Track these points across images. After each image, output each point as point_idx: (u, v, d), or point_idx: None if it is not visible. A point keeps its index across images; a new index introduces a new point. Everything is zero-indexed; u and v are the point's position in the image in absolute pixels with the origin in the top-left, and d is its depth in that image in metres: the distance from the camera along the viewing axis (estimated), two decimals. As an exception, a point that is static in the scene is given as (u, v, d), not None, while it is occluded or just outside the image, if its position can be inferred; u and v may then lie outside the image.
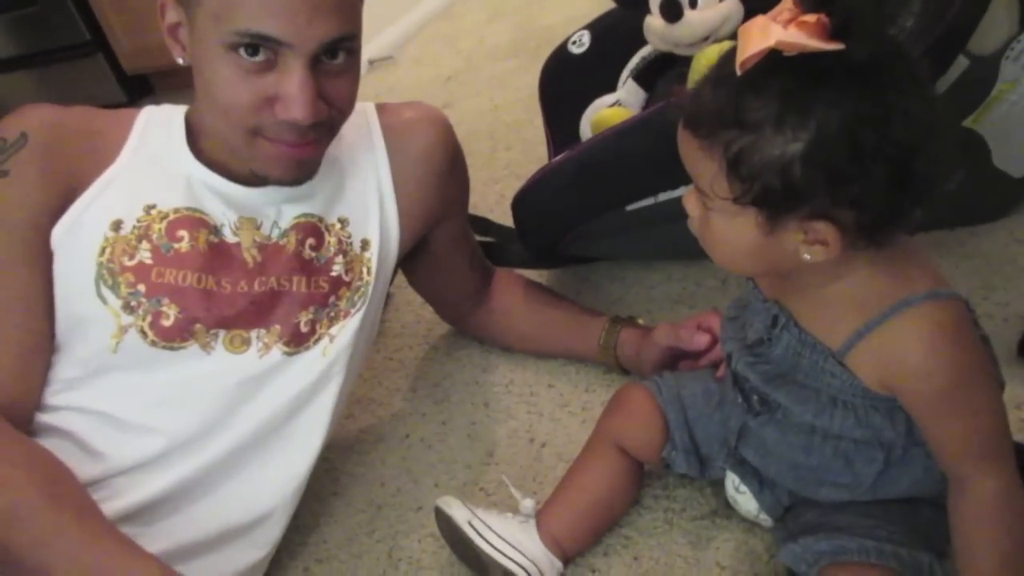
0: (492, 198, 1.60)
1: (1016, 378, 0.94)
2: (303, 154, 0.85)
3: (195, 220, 0.88)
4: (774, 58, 0.58)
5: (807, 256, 0.65)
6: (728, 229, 0.66)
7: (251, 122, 0.81)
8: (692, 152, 0.65)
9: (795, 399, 0.74)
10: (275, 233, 0.91)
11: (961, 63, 1.06)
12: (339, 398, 0.94)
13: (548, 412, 1.11)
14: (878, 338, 0.67)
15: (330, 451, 1.05)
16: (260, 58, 0.78)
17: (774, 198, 0.62)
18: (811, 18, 0.57)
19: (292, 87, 0.78)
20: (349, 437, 1.15)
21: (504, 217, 1.30)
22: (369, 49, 2.61)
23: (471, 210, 1.18)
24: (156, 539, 0.80)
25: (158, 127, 0.92)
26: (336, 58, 0.81)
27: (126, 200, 0.87)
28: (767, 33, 0.57)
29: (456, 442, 1.10)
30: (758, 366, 0.76)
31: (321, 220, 0.93)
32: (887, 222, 0.63)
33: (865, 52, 0.56)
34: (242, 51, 0.77)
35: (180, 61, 0.84)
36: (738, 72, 0.59)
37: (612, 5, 1.41)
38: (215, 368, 0.88)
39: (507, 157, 1.77)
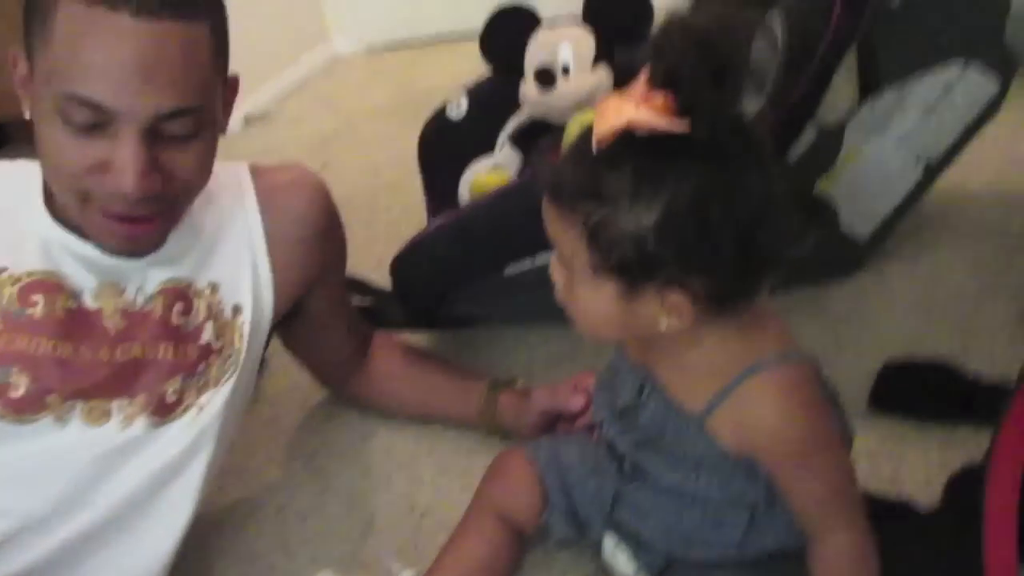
0: (371, 260, 1.58)
1: (867, 428, 0.99)
2: (135, 232, 0.81)
3: (51, 284, 0.83)
4: (628, 135, 0.61)
5: (664, 323, 0.67)
6: (590, 298, 0.69)
7: (81, 187, 0.77)
8: (555, 222, 0.68)
9: (663, 465, 0.76)
10: (140, 299, 0.88)
11: (810, 132, 1.14)
12: (208, 471, 0.91)
13: (429, 479, 1.09)
14: (733, 402, 0.70)
15: (200, 526, 1.00)
16: (91, 122, 0.74)
17: (631, 268, 0.64)
18: (660, 99, 0.60)
19: (121, 157, 0.74)
20: (220, 511, 1.10)
21: (383, 279, 1.29)
22: (245, 105, 2.57)
23: (349, 272, 1.17)
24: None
25: (9, 183, 0.87)
26: (179, 129, 0.77)
27: None
28: (620, 112, 0.60)
29: (334, 513, 1.07)
30: (627, 433, 0.78)
31: (190, 285, 0.90)
32: (737, 290, 0.67)
33: (707, 131, 0.60)
34: (72, 114, 0.73)
35: (27, 115, 0.80)
36: (594, 149, 0.62)
37: (489, 72, 1.45)
38: (71, 442, 0.83)
39: (386, 218, 1.77)
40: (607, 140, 0.62)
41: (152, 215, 0.81)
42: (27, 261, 0.83)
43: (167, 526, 0.88)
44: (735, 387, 0.70)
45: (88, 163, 0.75)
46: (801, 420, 0.69)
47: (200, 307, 0.91)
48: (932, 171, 1.23)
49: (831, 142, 1.17)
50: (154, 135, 0.75)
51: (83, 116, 0.73)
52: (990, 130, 1.21)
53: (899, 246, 1.32)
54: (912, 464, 0.97)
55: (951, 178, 1.28)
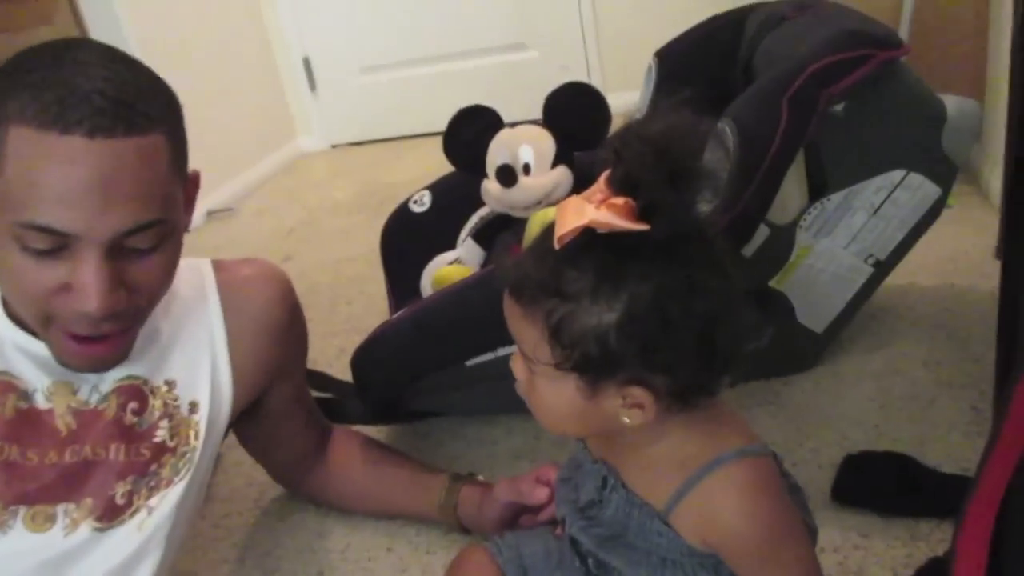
0: (331, 352, 1.58)
1: (830, 522, 1.00)
2: (97, 352, 0.79)
3: (3, 384, 0.81)
4: (589, 233, 0.62)
5: (626, 419, 0.68)
6: (552, 393, 0.69)
7: (43, 309, 0.75)
8: (516, 319, 0.68)
9: (628, 561, 0.75)
10: (94, 398, 0.85)
11: (763, 231, 1.18)
12: (157, 574, 0.87)
13: (387, 579, 1.06)
14: (695, 497, 0.70)
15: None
16: (50, 247, 0.72)
17: (592, 364, 0.65)
18: (620, 200, 0.62)
19: (84, 278, 0.72)
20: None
21: (343, 372, 1.28)
22: (209, 201, 2.59)
23: (309, 365, 1.16)
24: None
25: None
26: (142, 242, 0.75)
27: None
28: (581, 213, 0.62)
29: (288, 616, 1.03)
30: (591, 529, 0.77)
31: (146, 382, 0.88)
32: (698, 386, 0.68)
33: (665, 233, 0.62)
34: (30, 240, 0.71)
35: None
36: (556, 247, 0.64)
37: (452, 168, 1.49)
38: (12, 548, 0.79)
39: (348, 311, 1.77)
40: (568, 238, 0.63)
41: (117, 331, 0.79)
42: None
43: (112, 634, 0.84)
44: (696, 483, 0.70)
45: (50, 285, 0.74)
46: (763, 516, 0.69)
47: (156, 405, 0.88)
48: (882, 268, 1.27)
49: (783, 242, 1.21)
50: (116, 251, 0.74)
51: (42, 242, 0.72)
52: (936, 228, 1.26)
53: (853, 342, 1.35)
54: (878, 558, 0.96)
55: (900, 275, 1.32)
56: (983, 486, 0.69)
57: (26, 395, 0.82)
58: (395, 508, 1.12)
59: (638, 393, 0.66)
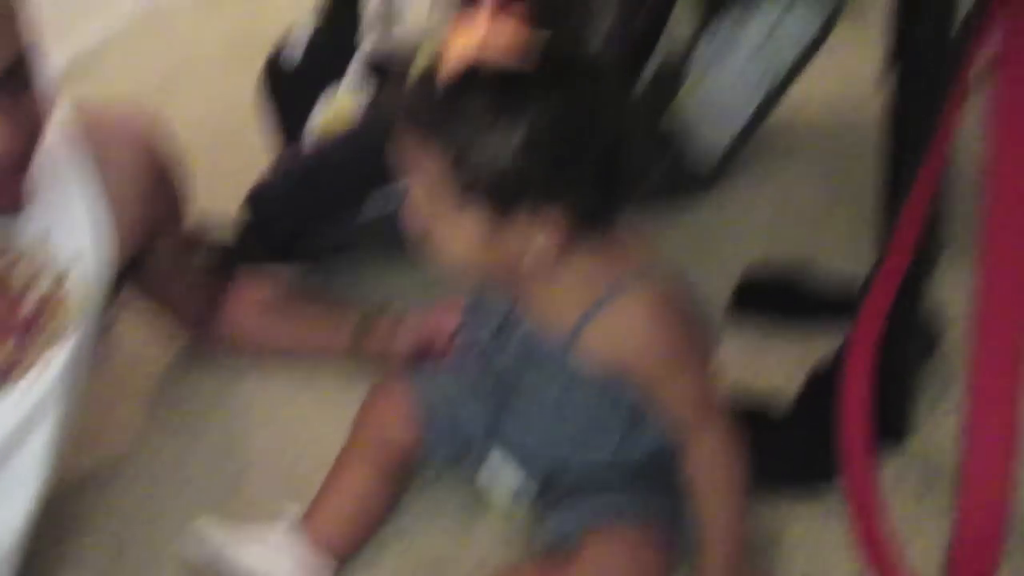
0: (219, 205, 1.50)
1: (729, 335, 1.04)
2: None
3: None
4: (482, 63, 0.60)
5: (529, 252, 0.67)
6: (453, 232, 0.68)
7: None
8: (413, 152, 0.66)
9: (539, 381, 0.77)
10: None
11: (653, 65, 1.17)
12: (57, 436, 0.85)
13: (304, 416, 1.07)
14: (599, 323, 0.72)
15: (60, 493, 0.94)
16: None
17: (494, 195, 0.64)
18: (508, 22, 0.60)
19: None
20: (80, 476, 1.03)
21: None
22: (70, 48, 2.36)
23: (197, 219, 1.11)
24: None
25: None
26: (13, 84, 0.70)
27: None
28: (467, 46, 0.60)
29: (206, 463, 1.03)
30: (499, 355, 0.79)
31: (16, 236, 0.83)
32: (599, 212, 0.68)
33: (554, 67, 0.62)
34: None
35: None
36: (448, 78, 0.61)
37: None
38: None
39: (230, 164, 1.67)
40: (458, 68, 0.61)
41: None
42: None
43: (16, 497, 0.83)
44: (599, 308, 0.71)
45: None
46: (664, 335, 0.72)
47: (29, 259, 0.83)
48: (772, 93, 1.28)
49: (674, 73, 1.20)
50: None
51: None
52: (829, 48, 1.27)
53: (747, 166, 1.37)
54: (776, 363, 1.02)
55: (792, 99, 1.33)
56: (874, 289, 0.73)
57: None
58: (307, 348, 1.12)
59: (540, 223, 0.66)
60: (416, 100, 0.66)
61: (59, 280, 0.85)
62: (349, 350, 1.08)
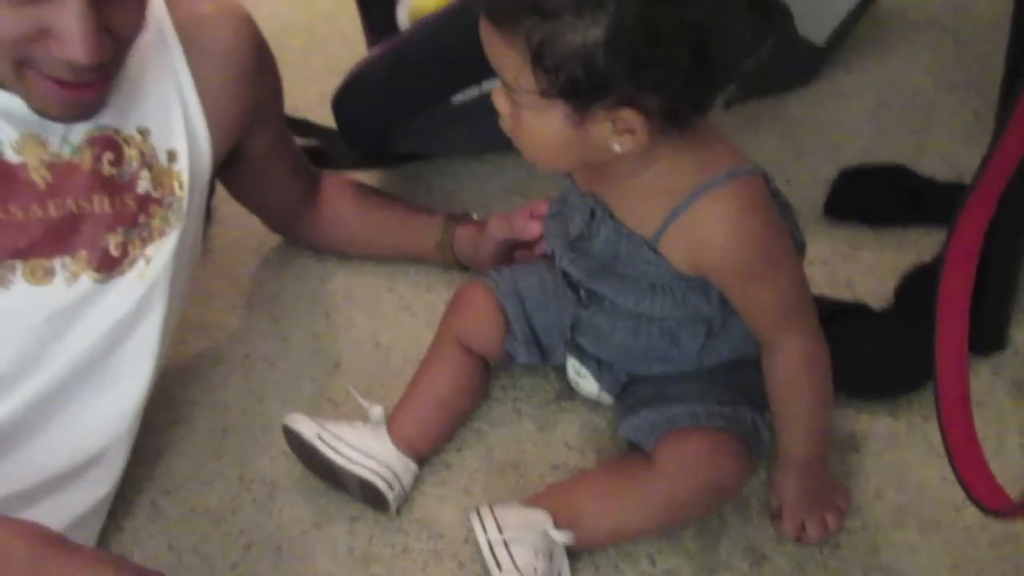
0: (313, 99, 1.51)
1: (821, 236, 1.01)
2: (83, 97, 0.77)
3: None
4: None
5: (616, 146, 0.65)
6: (538, 124, 0.66)
7: (18, 55, 0.72)
8: (495, 46, 0.64)
9: (617, 290, 0.76)
10: (66, 150, 0.82)
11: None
12: (165, 324, 0.89)
13: (391, 316, 1.10)
14: (684, 222, 0.70)
15: (166, 380, 1.00)
16: None
17: (580, 88, 0.62)
18: None
19: (71, 23, 0.69)
20: (185, 363, 1.10)
21: (326, 118, 1.24)
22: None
23: (290, 112, 1.12)
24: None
25: None
26: None
27: None
28: None
29: (299, 357, 1.07)
30: (580, 261, 0.78)
31: (117, 132, 0.85)
32: (691, 106, 0.64)
33: None
34: None
35: None
36: None
37: None
38: (17, 304, 0.80)
39: (324, 53, 1.67)
40: None
41: (99, 79, 0.77)
42: None
43: (129, 382, 0.87)
44: (685, 207, 0.69)
45: (28, 31, 0.70)
46: (750, 234, 0.69)
47: (132, 155, 0.86)
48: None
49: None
50: None
51: None
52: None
53: (854, 53, 1.29)
54: (866, 268, 0.99)
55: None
56: (977, 193, 0.68)
57: None
58: (392, 250, 1.14)
59: (629, 116, 0.63)
60: None
61: (161, 177, 0.88)
62: (434, 254, 1.10)
